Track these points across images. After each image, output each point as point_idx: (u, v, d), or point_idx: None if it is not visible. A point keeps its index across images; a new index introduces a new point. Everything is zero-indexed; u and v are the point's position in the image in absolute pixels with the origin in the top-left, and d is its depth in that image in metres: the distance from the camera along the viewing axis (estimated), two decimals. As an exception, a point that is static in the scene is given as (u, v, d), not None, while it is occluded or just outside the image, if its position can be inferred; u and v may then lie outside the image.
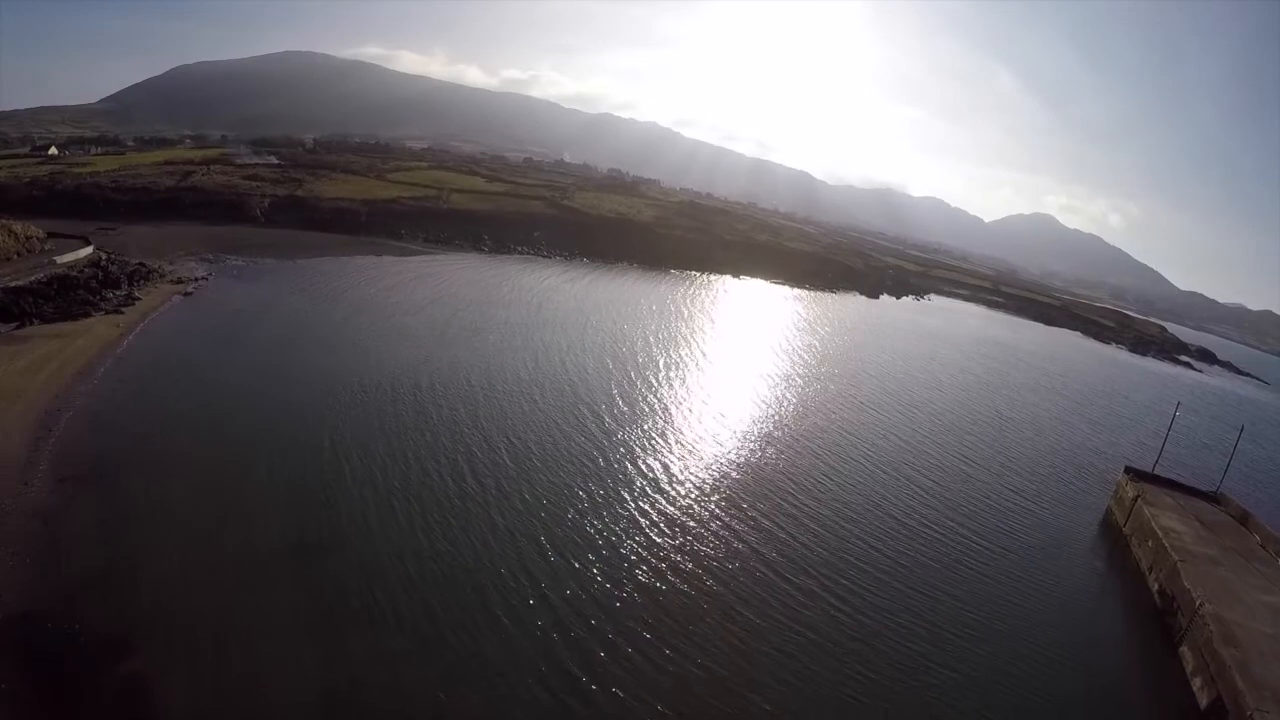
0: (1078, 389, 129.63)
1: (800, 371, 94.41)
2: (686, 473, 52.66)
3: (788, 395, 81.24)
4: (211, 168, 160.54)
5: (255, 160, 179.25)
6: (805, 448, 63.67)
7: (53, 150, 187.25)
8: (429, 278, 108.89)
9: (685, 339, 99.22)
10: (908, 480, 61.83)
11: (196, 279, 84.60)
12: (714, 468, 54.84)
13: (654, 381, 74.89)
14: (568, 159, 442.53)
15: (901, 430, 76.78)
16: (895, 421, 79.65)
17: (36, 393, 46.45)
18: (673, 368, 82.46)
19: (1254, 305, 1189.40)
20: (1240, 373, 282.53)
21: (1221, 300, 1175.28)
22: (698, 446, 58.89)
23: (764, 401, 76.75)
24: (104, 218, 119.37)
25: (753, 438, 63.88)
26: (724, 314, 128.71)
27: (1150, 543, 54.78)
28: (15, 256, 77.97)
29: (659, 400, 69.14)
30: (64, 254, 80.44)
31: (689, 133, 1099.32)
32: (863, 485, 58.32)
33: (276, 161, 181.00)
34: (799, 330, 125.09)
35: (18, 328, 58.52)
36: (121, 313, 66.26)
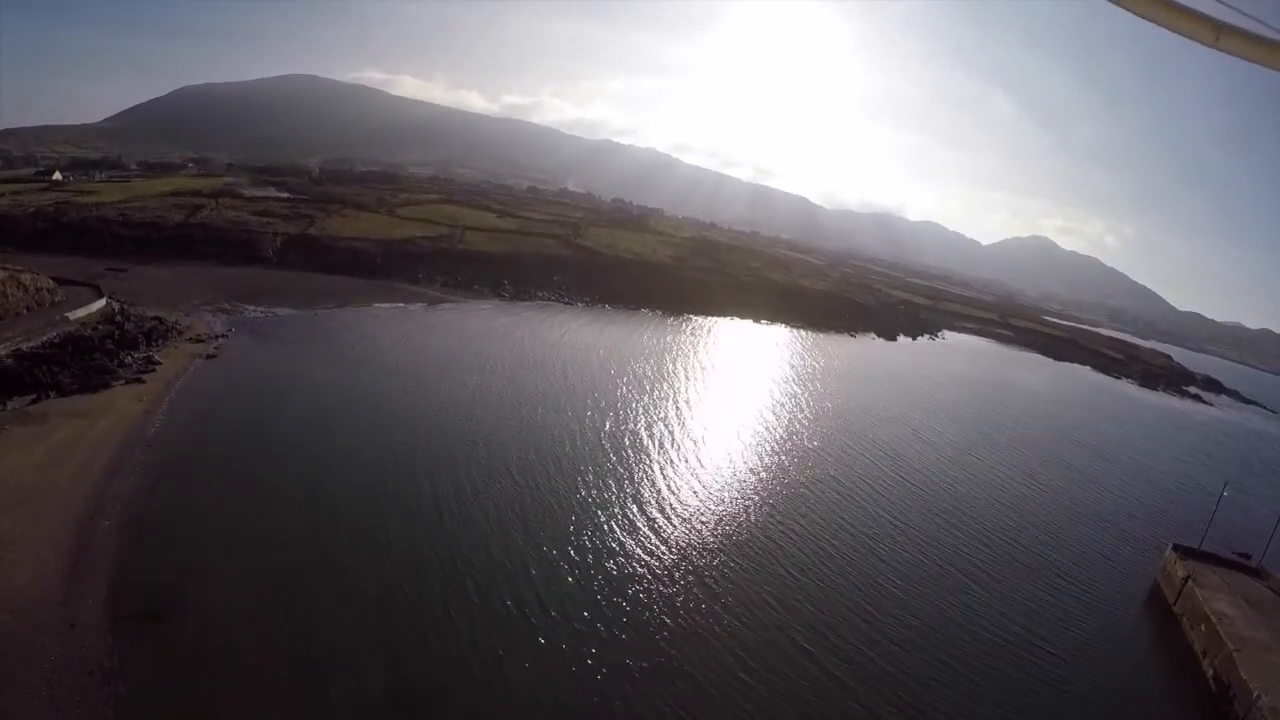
0: (1103, 441, 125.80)
1: (849, 444, 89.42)
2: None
3: (836, 473, 76.41)
4: (220, 201, 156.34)
5: (263, 193, 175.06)
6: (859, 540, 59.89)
7: (56, 175, 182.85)
8: (455, 333, 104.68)
9: (732, 409, 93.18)
10: (951, 566, 59.17)
11: (216, 336, 79.92)
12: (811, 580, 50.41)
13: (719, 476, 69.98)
14: (572, 187, 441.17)
15: (942, 504, 74.00)
16: (937, 495, 76.43)
17: (65, 495, 41.69)
18: (734, 454, 75.06)
19: (1251, 324, 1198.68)
20: (1246, 401, 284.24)
21: (1219, 320, 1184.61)
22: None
23: (827, 488, 71.87)
24: (112, 255, 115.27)
25: (823, 534, 59.46)
26: (765, 374, 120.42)
27: (1203, 626, 55.41)
28: (25, 311, 73.09)
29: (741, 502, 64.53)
30: (76, 309, 75.70)
31: (688, 158, 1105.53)
32: (917, 578, 55.26)
33: (286, 195, 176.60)
34: (839, 390, 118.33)
35: (34, 401, 53.78)
36: (142, 381, 61.46)
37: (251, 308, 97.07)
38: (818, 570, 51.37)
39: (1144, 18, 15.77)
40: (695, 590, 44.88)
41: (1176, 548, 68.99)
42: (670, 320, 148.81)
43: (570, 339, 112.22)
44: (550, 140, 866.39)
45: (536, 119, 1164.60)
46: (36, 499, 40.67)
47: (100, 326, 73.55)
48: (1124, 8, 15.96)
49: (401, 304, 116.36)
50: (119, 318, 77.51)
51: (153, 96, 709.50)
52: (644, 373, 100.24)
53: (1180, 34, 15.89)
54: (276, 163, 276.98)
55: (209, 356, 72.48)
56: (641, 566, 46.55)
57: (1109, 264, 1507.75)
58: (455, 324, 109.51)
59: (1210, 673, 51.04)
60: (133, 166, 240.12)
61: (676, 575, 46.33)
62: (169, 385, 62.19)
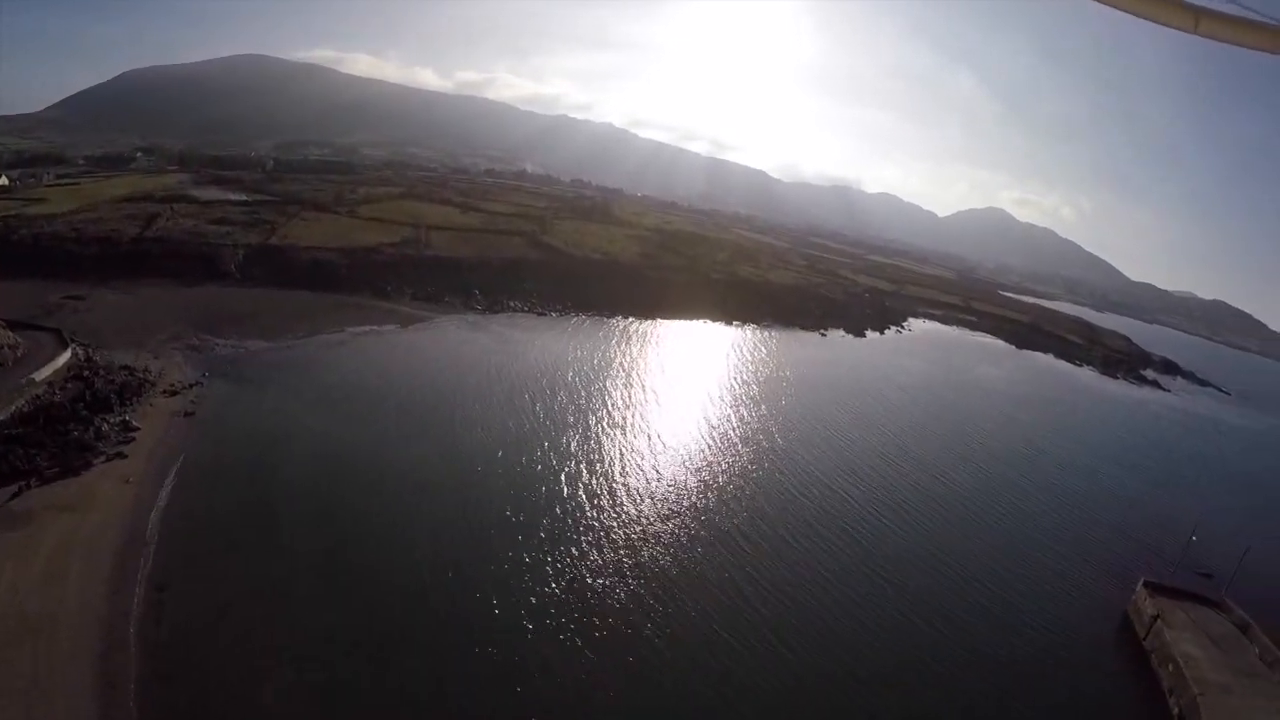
0: (1068, 451, 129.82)
1: (833, 464, 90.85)
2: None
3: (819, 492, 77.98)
4: (175, 208, 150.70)
5: (219, 196, 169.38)
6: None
7: (3, 180, 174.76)
8: (435, 362, 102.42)
9: (697, 451, 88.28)
10: (915, 615, 60.77)
11: (190, 385, 77.25)
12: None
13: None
14: (530, 169, 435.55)
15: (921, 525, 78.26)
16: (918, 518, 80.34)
17: (76, 620, 40.21)
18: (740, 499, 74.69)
19: (1204, 294, 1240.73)
20: (1202, 384, 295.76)
21: (1172, 290, 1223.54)
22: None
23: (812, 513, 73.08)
24: (67, 277, 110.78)
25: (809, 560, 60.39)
26: (749, 386, 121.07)
27: (1170, 667, 59.92)
28: (-13, 371, 69.81)
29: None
30: (41, 367, 72.25)
31: (645, 133, 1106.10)
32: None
33: (243, 199, 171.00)
34: (822, 401, 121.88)
35: (16, 495, 51.35)
36: (124, 455, 59.32)
37: (221, 341, 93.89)
38: (771, 634, 52.07)
39: (1126, 12, 17.15)
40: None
41: (1146, 584, 72.36)
42: (644, 327, 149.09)
43: (550, 360, 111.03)
44: (506, 117, 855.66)
45: (491, 95, 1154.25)
46: (48, 628, 39.21)
47: (69, 385, 70.53)
48: (1107, 4, 16.90)
49: (373, 326, 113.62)
50: (87, 372, 74.40)
51: (97, 82, 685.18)
52: (615, 401, 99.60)
53: (1161, 23, 17.31)
54: (229, 154, 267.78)
55: (187, 414, 70.10)
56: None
57: (1064, 235, 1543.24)
58: (433, 350, 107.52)
59: (1176, 711, 55.64)
60: (80, 161, 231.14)
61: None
62: (152, 458, 60.14)
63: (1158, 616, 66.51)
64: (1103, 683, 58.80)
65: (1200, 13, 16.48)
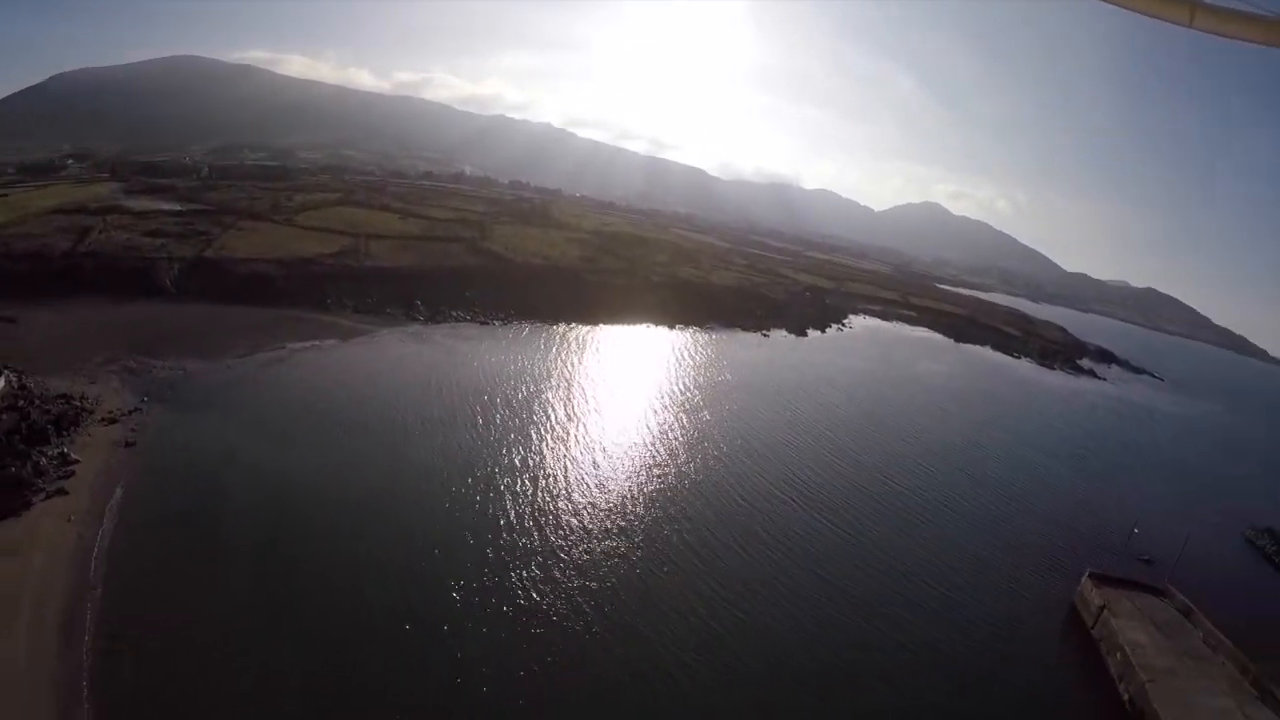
0: (1007, 445, 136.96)
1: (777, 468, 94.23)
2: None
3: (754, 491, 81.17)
4: (108, 220, 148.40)
5: (153, 206, 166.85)
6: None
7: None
8: (378, 377, 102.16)
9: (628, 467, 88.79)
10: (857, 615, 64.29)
11: (129, 411, 77.73)
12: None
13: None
14: (468, 172, 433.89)
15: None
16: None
17: (30, 677, 40.53)
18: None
19: (1136, 282, 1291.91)
20: (1136, 371, 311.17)
21: (1105, 279, 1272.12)
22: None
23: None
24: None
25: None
26: (692, 392, 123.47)
27: (1119, 655, 63.92)
28: (-80, 404, 69.78)
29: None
30: (-23, 395, 72.47)
31: (584, 133, 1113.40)
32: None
33: (178, 208, 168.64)
34: (764, 404, 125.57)
35: (-47, 539, 52.16)
36: (65, 491, 59.97)
37: (159, 363, 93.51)
38: (720, 644, 54.80)
39: (1124, 8, 18.14)
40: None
41: (1092, 575, 77.04)
42: (586, 333, 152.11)
43: (493, 372, 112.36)
44: (443, 118, 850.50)
45: (429, 96, 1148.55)
46: (3, 690, 39.57)
47: (3, 417, 70.71)
48: (1109, 2, 17.90)
49: (315, 341, 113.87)
50: (21, 402, 74.45)
51: (25, 85, 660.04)
52: (560, 413, 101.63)
53: (1157, 18, 18.17)
54: (163, 160, 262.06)
55: (128, 444, 70.72)
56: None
57: (1000, 228, 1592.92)
58: (375, 365, 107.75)
59: (1126, 697, 60.06)
60: (10, 170, 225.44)
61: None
62: (95, 493, 60.96)
63: (1104, 606, 71.00)
64: (1053, 673, 63.23)
65: (1195, 7, 17.24)
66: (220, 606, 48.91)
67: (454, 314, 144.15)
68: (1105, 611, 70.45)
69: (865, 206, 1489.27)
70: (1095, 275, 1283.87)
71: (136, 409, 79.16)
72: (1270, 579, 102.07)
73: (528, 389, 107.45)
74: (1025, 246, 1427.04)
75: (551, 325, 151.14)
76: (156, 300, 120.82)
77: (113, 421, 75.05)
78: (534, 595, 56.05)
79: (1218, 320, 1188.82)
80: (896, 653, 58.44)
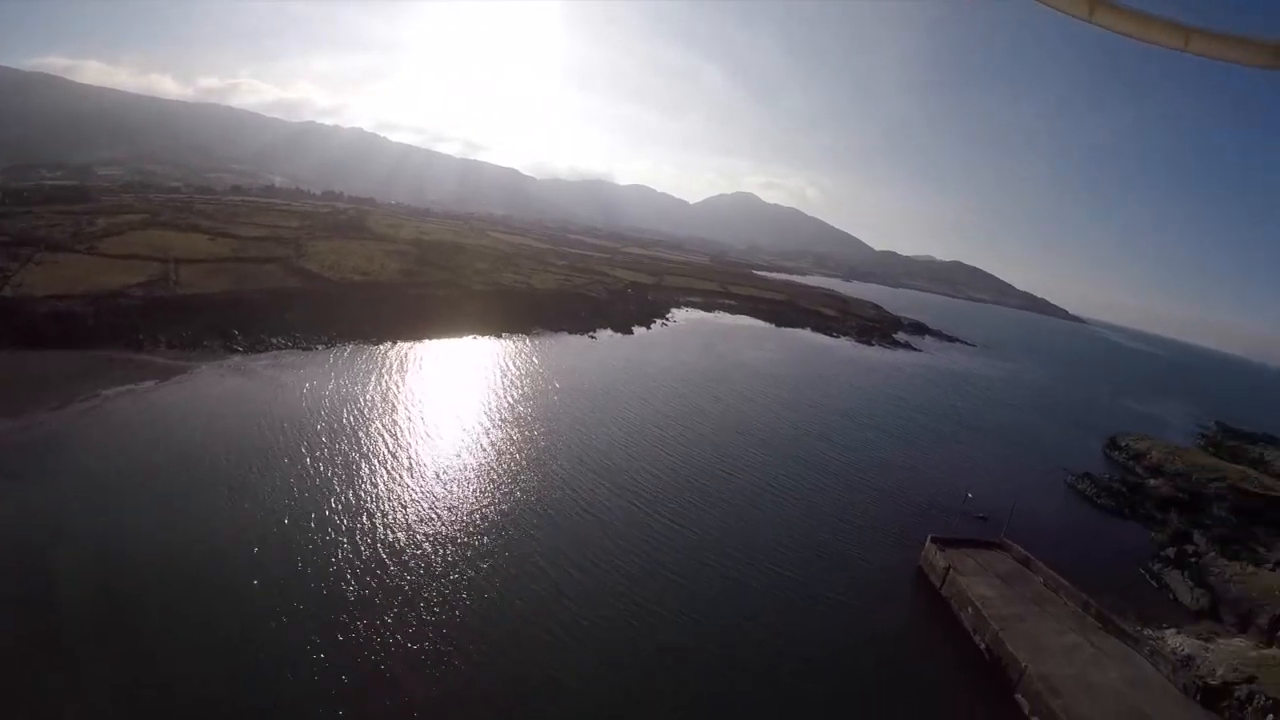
0: (835, 426, 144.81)
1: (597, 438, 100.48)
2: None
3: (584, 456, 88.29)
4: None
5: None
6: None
7: None
8: (196, 417, 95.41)
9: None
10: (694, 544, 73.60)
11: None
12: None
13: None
14: (279, 183, 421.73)
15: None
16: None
17: None
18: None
19: (943, 257, 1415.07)
20: (949, 339, 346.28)
21: (912, 255, 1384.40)
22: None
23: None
24: None
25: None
26: (522, 405, 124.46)
27: (970, 609, 69.77)
28: None
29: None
30: None
31: (396, 137, 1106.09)
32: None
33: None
34: (593, 411, 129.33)
35: None
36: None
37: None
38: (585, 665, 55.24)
39: (1121, 34, 18.14)
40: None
41: (934, 539, 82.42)
42: (412, 350, 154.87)
43: (319, 403, 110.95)
44: (251, 125, 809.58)
45: (235, 103, 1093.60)
46: None
47: None
48: (1104, 27, 18.13)
49: (130, 385, 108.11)
50: None
51: None
52: (392, 441, 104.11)
53: (1154, 43, 18.09)
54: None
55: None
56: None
57: (810, 214, 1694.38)
58: (195, 407, 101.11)
59: (983, 646, 65.51)
60: None
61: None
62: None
63: (949, 567, 75.82)
64: (910, 635, 67.34)
65: (1190, 31, 17.40)
66: (71, 707, 44.23)
67: (274, 341, 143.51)
68: (951, 571, 75.05)
69: (680, 199, 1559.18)
70: (903, 253, 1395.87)
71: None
72: (1094, 519, 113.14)
73: (357, 418, 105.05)
74: (836, 230, 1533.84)
75: (376, 345, 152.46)
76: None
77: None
78: (398, 641, 54.46)
79: (1020, 286, 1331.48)
80: (743, 645, 60.04)
